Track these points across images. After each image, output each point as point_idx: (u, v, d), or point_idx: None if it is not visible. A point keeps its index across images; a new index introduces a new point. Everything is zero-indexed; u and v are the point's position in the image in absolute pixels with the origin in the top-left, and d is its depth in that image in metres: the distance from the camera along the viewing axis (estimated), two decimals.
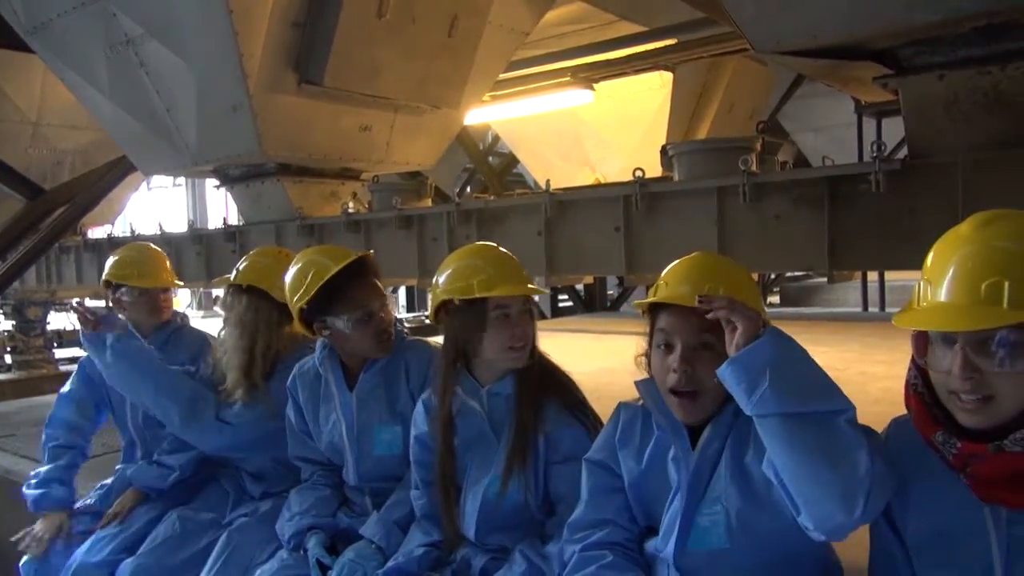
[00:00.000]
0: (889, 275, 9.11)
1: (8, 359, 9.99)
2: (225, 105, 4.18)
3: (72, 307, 2.85)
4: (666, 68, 7.10)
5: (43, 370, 9.50)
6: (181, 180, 21.05)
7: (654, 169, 3.75)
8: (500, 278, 1.94)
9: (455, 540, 2.02)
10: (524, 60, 6.57)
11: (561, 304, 11.00)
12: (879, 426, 1.46)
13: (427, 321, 11.48)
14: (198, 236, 5.51)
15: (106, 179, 6.15)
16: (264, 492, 2.65)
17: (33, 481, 2.83)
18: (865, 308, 9.55)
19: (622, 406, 1.76)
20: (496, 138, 11.14)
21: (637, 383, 1.68)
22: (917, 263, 1.35)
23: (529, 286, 1.99)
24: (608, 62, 6.79)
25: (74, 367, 3.10)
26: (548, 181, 3.82)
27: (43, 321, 10.23)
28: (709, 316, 1.40)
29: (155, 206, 20.56)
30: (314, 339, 2.42)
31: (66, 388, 2.98)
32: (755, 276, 1.85)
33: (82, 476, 2.97)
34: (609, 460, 1.71)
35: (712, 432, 1.57)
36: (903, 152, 2.86)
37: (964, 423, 1.23)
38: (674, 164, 3.59)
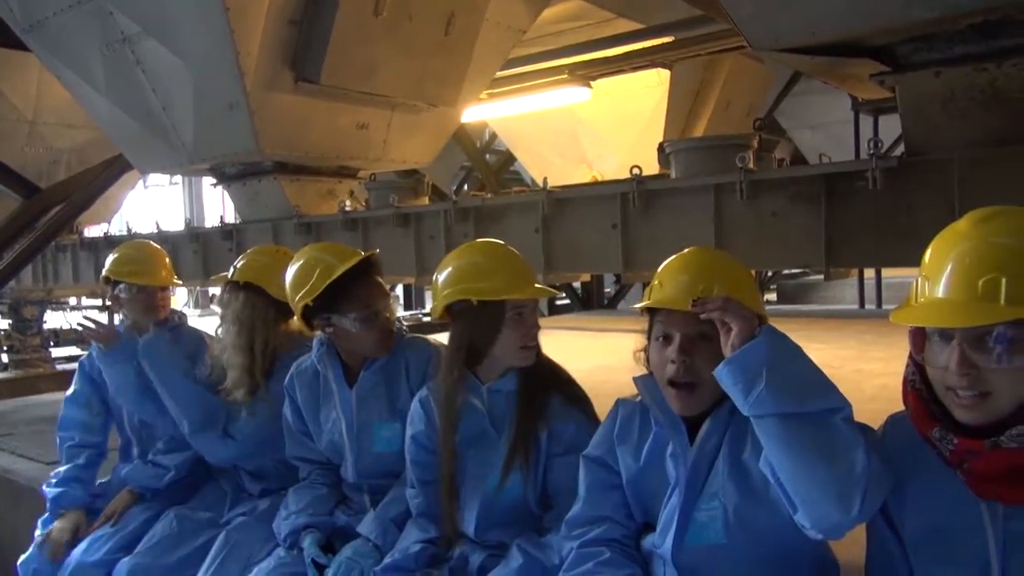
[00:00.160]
0: (886, 272, 9.11)
1: (4, 358, 9.99)
2: (222, 103, 4.17)
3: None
4: (663, 66, 7.10)
5: (40, 369, 9.48)
6: (178, 178, 21.01)
7: (651, 167, 3.74)
8: (520, 279, 1.97)
9: (453, 537, 2.03)
10: (521, 58, 6.56)
11: (558, 302, 11.00)
12: (875, 423, 1.47)
13: (425, 319, 11.49)
14: (195, 234, 5.49)
15: (102, 177, 6.14)
16: (263, 490, 2.66)
17: (53, 480, 2.84)
18: (862, 305, 9.56)
19: (620, 402, 1.77)
20: (493, 136, 11.13)
21: (635, 379, 1.68)
22: (914, 260, 1.35)
23: (544, 287, 2.03)
24: (605, 60, 6.79)
25: (70, 366, 3.10)
26: (545, 179, 3.82)
27: (39, 320, 10.22)
28: (703, 318, 1.41)
29: (152, 204, 20.52)
30: (309, 338, 2.43)
31: (71, 391, 2.99)
32: (752, 273, 1.86)
33: None
34: (607, 456, 1.71)
35: (710, 428, 1.57)
36: (900, 149, 2.86)
37: (961, 419, 1.24)
38: (671, 161, 3.58)
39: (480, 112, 7.28)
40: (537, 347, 2.00)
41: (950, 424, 1.26)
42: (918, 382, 1.32)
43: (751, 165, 2.97)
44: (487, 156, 10.98)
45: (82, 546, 2.63)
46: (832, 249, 2.83)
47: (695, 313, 1.43)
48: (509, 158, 10.05)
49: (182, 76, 4.21)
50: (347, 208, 4.53)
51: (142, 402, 2.75)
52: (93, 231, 7.42)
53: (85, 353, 3.06)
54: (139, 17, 4.16)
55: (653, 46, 6.57)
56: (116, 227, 7.00)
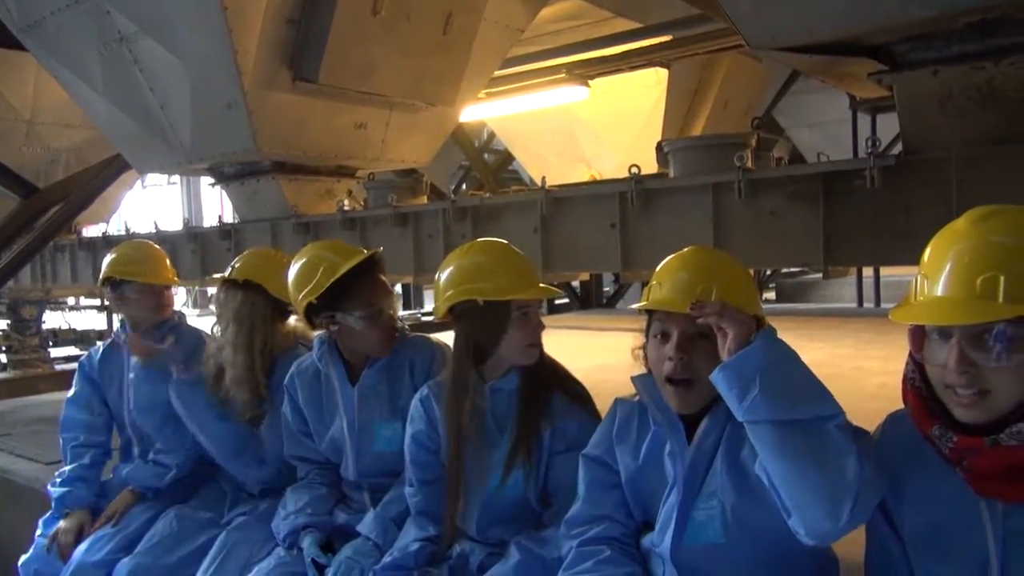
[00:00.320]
0: (884, 271, 9.11)
1: (3, 358, 9.97)
2: (220, 103, 4.17)
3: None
4: (661, 65, 7.09)
5: (38, 369, 9.45)
6: (176, 178, 20.99)
7: (649, 166, 3.73)
8: (524, 278, 1.97)
9: (454, 535, 2.03)
10: (519, 57, 6.56)
11: (557, 301, 11.00)
12: (875, 421, 1.47)
13: (423, 319, 11.48)
14: (193, 234, 5.49)
15: (100, 177, 6.13)
16: (264, 490, 2.65)
17: (58, 480, 2.84)
18: (860, 304, 9.57)
19: (619, 402, 1.77)
20: (491, 135, 11.12)
21: (634, 378, 1.69)
22: (912, 259, 1.35)
23: (548, 286, 2.04)
24: (603, 59, 6.78)
25: (69, 366, 3.11)
26: (544, 178, 3.82)
27: (38, 320, 10.21)
28: (700, 323, 1.41)
29: (150, 204, 20.49)
30: (304, 339, 2.42)
31: (71, 392, 2.99)
32: (751, 273, 1.86)
33: None
34: (606, 456, 1.72)
35: (708, 427, 1.57)
36: (898, 148, 2.86)
37: (960, 417, 1.24)
38: (669, 161, 3.58)
39: (478, 111, 7.27)
40: (541, 345, 2.01)
41: (950, 422, 1.27)
42: (918, 380, 1.32)
43: (749, 164, 2.96)
44: (485, 155, 10.97)
45: (83, 546, 2.63)
46: (830, 248, 2.83)
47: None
48: (507, 157, 10.05)
49: (180, 75, 4.20)
50: (345, 207, 4.52)
51: (162, 427, 2.79)
52: (91, 231, 7.41)
53: (84, 353, 3.06)
54: (136, 16, 4.15)
55: (651, 45, 6.57)
56: (114, 227, 7.00)
